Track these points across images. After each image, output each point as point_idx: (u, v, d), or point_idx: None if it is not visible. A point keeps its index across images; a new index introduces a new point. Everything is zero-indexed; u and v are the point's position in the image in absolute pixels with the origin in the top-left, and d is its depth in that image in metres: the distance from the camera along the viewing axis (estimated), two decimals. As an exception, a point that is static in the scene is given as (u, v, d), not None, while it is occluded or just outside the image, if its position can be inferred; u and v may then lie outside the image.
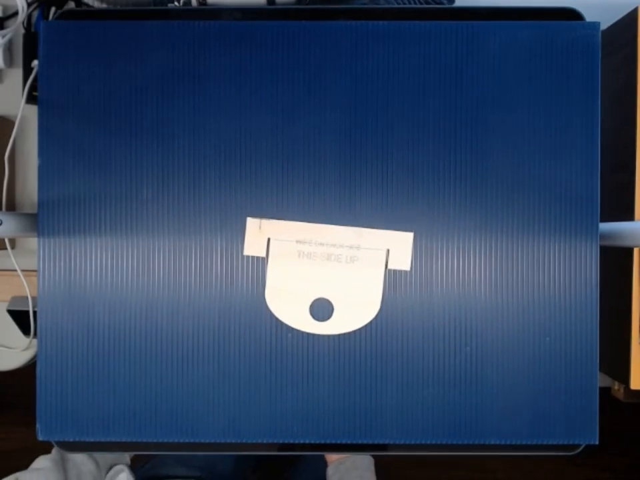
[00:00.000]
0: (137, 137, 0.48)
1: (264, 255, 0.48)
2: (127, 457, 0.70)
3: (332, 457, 0.73)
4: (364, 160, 0.48)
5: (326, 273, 0.48)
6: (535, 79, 0.48)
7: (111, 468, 0.68)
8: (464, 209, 0.48)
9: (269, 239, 0.48)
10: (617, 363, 0.60)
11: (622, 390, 0.70)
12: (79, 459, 0.64)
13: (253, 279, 0.48)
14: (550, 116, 0.48)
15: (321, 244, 0.48)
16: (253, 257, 0.48)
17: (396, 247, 0.48)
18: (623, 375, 0.59)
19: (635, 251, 0.58)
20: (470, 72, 0.48)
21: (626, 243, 0.49)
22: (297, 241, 0.48)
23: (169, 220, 0.48)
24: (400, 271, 0.48)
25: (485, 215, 0.48)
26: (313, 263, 0.48)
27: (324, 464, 0.74)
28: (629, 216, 0.58)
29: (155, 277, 0.48)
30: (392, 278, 0.48)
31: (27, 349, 0.72)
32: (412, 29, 0.48)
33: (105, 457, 0.67)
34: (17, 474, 0.60)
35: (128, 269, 0.48)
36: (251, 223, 0.48)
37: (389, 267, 0.48)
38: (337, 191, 0.48)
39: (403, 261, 0.48)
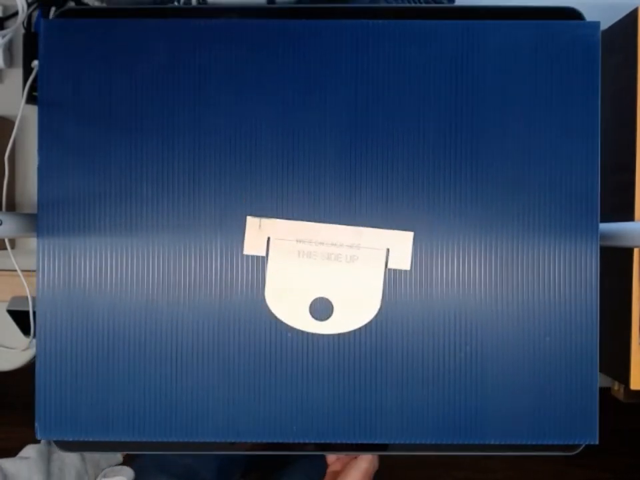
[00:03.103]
0: (137, 136, 0.48)
1: (264, 254, 0.48)
2: (118, 455, 0.70)
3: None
4: (364, 159, 0.48)
5: (326, 272, 0.48)
6: (534, 79, 0.48)
7: (107, 466, 0.68)
8: (464, 209, 0.48)
9: (268, 238, 0.48)
10: (617, 363, 0.60)
11: (622, 390, 0.70)
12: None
13: (252, 278, 0.48)
14: (550, 115, 0.48)
15: (321, 243, 0.48)
16: (252, 256, 0.48)
17: (396, 246, 0.48)
18: (623, 375, 0.59)
19: (635, 251, 0.58)
20: (470, 71, 0.48)
21: (626, 243, 0.49)
22: (297, 240, 0.48)
23: (168, 219, 0.48)
24: (400, 271, 0.48)
25: (485, 215, 0.48)
26: (313, 262, 0.48)
27: (314, 469, 0.73)
28: (629, 216, 0.58)
29: (155, 276, 0.48)
30: (392, 277, 0.48)
31: (26, 349, 0.72)
32: (412, 28, 0.48)
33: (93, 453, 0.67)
34: (1, 460, 0.60)
35: (127, 268, 0.48)
36: (251, 222, 0.48)
37: (389, 266, 0.48)
38: (337, 189, 0.48)
39: (403, 260, 0.48)
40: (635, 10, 0.58)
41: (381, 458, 0.63)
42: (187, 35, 0.48)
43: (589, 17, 0.49)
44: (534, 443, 0.48)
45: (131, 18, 0.49)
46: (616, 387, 0.71)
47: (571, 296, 0.48)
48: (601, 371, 0.48)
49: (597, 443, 0.48)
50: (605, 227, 0.48)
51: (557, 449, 0.49)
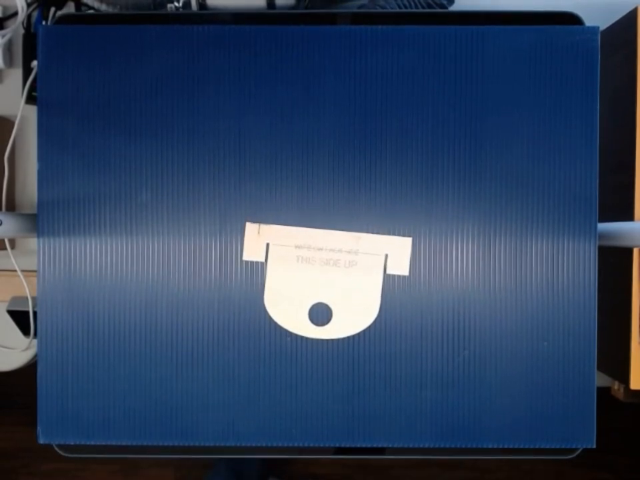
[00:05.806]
0: (136, 139, 0.48)
1: (263, 259, 0.48)
2: None
3: None
4: (362, 165, 0.48)
5: (325, 278, 0.48)
6: (534, 83, 0.48)
7: None
8: (462, 215, 0.48)
9: (267, 244, 0.48)
10: (617, 363, 0.60)
11: (622, 390, 0.70)
12: None
13: (251, 283, 0.48)
14: (549, 119, 0.48)
15: (320, 249, 0.48)
16: (251, 261, 0.48)
17: (394, 252, 0.48)
18: (623, 374, 0.59)
19: (635, 250, 0.58)
20: (469, 76, 0.48)
21: (625, 243, 0.49)
22: (296, 246, 0.48)
23: (167, 223, 0.48)
24: (398, 276, 0.48)
25: (483, 220, 0.48)
26: (311, 268, 0.48)
27: None
28: (629, 216, 0.58)
29: (155, 279, 0.48)
30: (390, 283, 0.48)
31: (27, 349, 0.72)
32: (411, 33, 0.48)
33: None
34: None
35: (127, 268, 0.48)
36: (250, 228, 0.48)
37: (388, 271, 0.48)
38: (335, 195, 0.48)
39: (401, 266, 0.48)
40: (635, 10, 0.58)
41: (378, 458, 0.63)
42: (185, 40, 0.48)
43: (589, 16, 0.49)
44: (531, 446, 0.48)
45: (129, 24, 0.49)
46: (616, 387, 0.71)
47: (569, 297, 0.48)
48: (600, 370, 0.48)
49: (594, 446, 0.48)
50: (603, 226, 0.48)
51: (554, 453, 0.49)
